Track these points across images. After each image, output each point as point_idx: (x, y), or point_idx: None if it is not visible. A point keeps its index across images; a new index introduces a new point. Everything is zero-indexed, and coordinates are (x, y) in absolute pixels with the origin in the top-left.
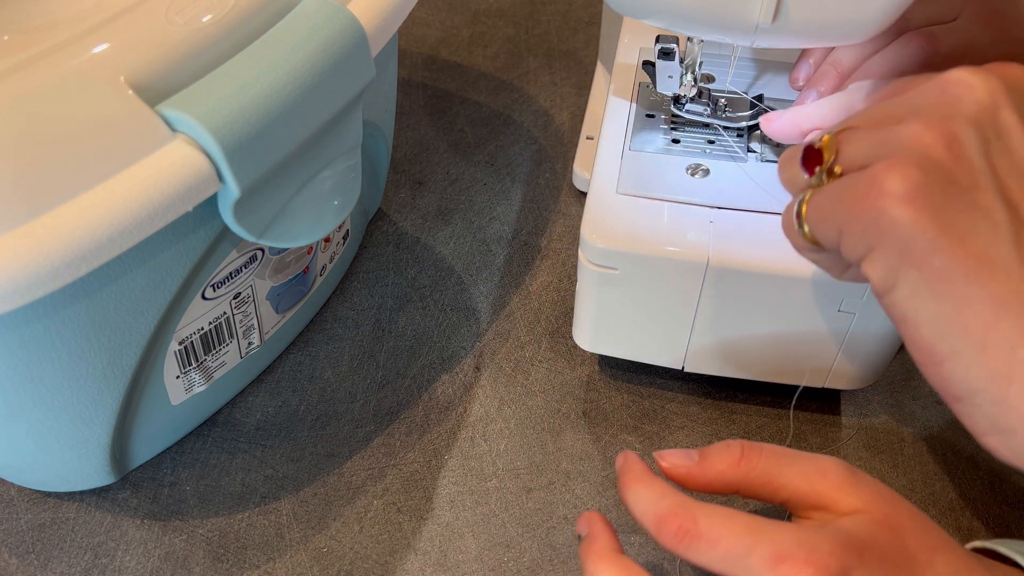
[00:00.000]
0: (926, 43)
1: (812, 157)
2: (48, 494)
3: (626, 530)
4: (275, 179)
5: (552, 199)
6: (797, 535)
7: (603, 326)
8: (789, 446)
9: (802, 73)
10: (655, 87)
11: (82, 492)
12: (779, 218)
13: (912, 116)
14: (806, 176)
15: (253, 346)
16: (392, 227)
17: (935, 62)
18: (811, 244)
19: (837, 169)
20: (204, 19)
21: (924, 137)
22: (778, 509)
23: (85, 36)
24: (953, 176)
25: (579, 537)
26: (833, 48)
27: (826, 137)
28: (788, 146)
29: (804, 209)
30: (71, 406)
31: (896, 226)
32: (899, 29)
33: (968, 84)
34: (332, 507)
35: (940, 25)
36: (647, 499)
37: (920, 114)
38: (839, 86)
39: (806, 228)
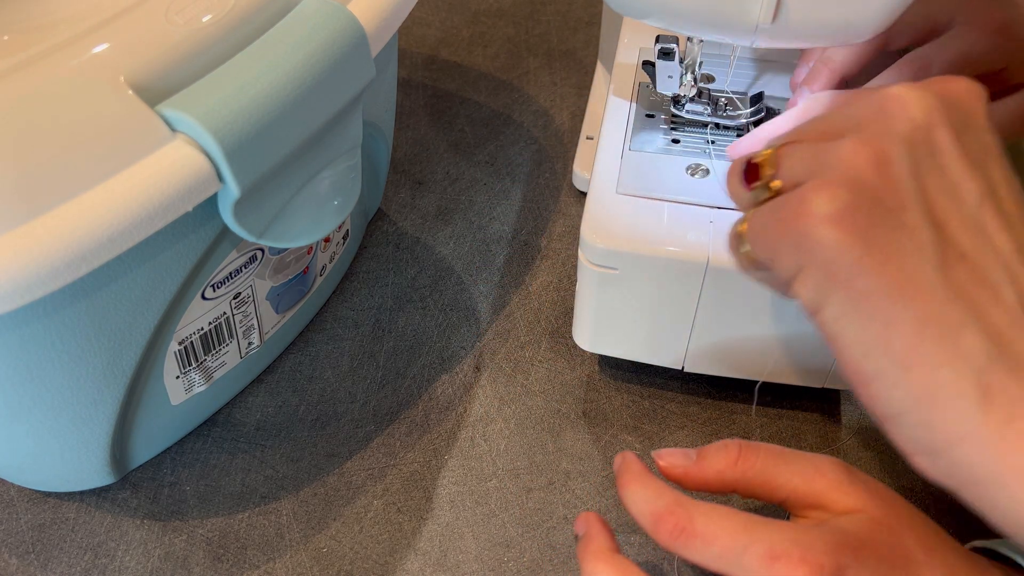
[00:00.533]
0: (917, 69)
1: (752, 171)
2: (48, 494)
3: (626, 530)
4: (275, 179)
5: (552, 199)
6: (792, 534)
7: (603, 326)
8: (750, 438)
9: (800, 76)
10: (655, 87)
11: (82, 492)
12: None
13: (849, 132)
14: (746, 190)
15: (253, 346)
16: (392, 227)
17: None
18: (753, 263)
19: (776, 184)
20: (204, 19)
21: (855, 157)
22: (776, 508)
23: (85, 36)
24: (880, 197)
25: (577, 537)
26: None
27: (767, 151)
28: None
29: (743, 228)
30: (71, 406)
31: (822, 247)
32: (885, 34)
33: (903, 102)
34: (332, 507)
35: (929, 45)
36: (644, 498)
37: (856, 130)
38: (831, 83)
39: (746, 248)
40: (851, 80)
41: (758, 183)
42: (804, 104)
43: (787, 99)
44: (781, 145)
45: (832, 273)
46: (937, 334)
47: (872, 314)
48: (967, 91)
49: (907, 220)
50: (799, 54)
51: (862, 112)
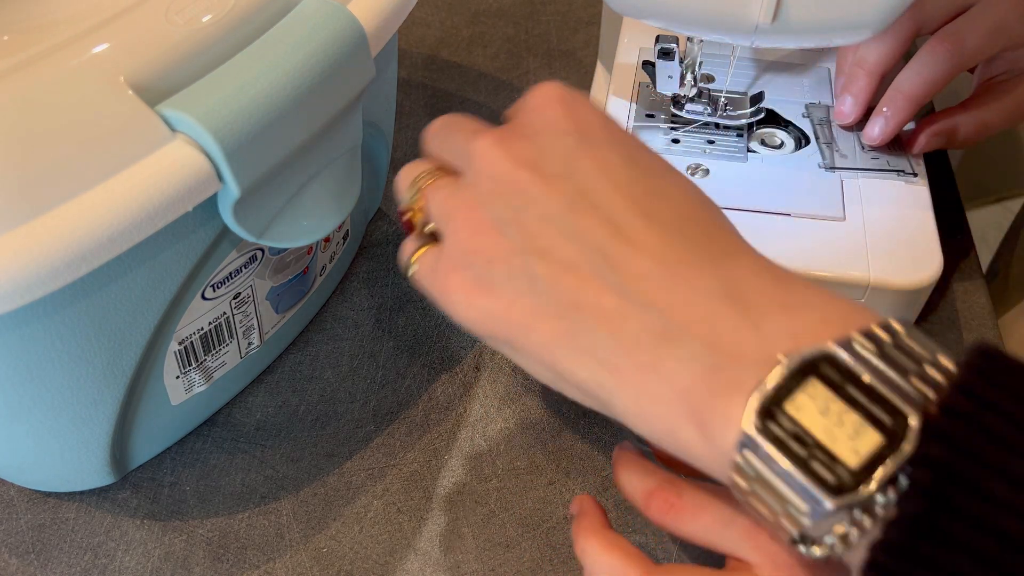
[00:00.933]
0: (951, 45)
1: (409, 223)
2: (48, 494)
3: (626, 530)
4: (275, 179)
5: None
6: None
7: None
8: None
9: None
10: (655, 87)
11: (82, 492)
12: (779, 218)
13: (456, 195)
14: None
15: (253, 346)
16: (392, 227)
17: (963, 60)
18: None
19: (430, 228)
20: (204, 19)
21: (463, 230)
22: None
23: (85, 36)
24: (491, 256)
25: (571, 517)
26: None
27: (415, 203)
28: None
29: (413, 273)
30: (71, 406)
31: (467, 319)
32: (915, 23)
33: (483, 159)
34: (332, 507)
35: (960, 18)
36: (636, 477)
37: (461, 192)
38: (871, 84)
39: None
40: (890, 74)
41: (416, 232)
42: None
43: (786, 99)
44: (424, 182)
45: (483, 334)
46: (566, 345)
47: (525, 353)
48: (542, 107)
49: (516, 265)
50: (799, 54)
51: (460, 161)
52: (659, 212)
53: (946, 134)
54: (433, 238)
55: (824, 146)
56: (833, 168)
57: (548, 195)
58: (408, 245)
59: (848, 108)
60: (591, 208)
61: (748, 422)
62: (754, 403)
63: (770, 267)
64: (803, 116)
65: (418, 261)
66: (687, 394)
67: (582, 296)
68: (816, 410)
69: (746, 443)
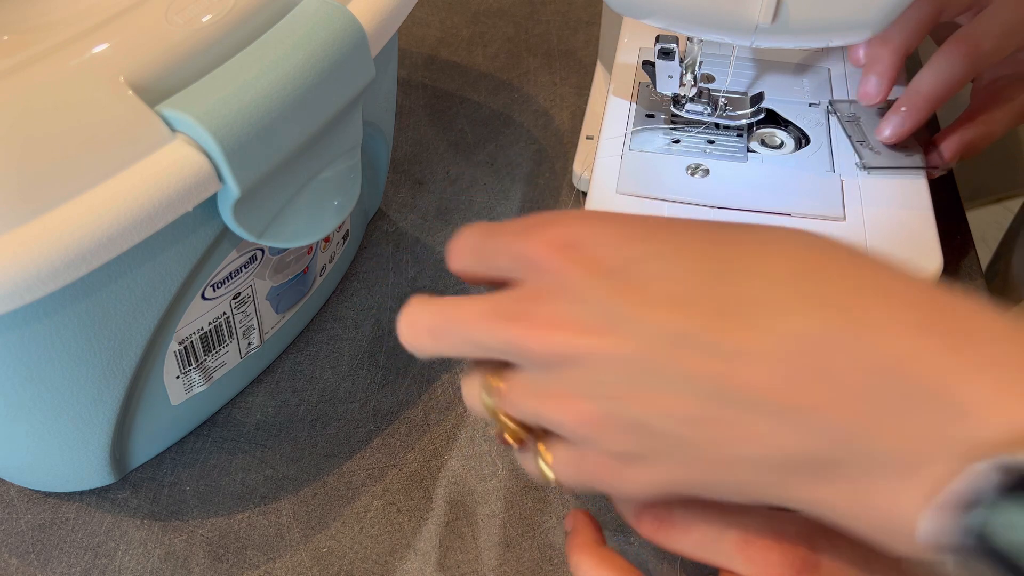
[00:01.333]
0: (968, 48)
1: (512, 439)
2: (48, 494)
3: (627, 530)
4: (275, 179)
5: (552, 199)
6: (765, 518)
7: None
8: None
9: (860, 53)
10: (655, 87)
11: (82, 492)
12: (779, 218)
13: (535, 390)
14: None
15: (253, 346)
16: (392, 227)
17: (980, 62)
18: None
19: (538, 436)
20: (204, 19)
21: (568, 424)
22: None
23: (85, 36)
24: (611, 435)
25: (567, 533)
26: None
27: (510, 425)
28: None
29: (553, 477)
30: (71, 406)
31: (641, 496)
32: (938, 5)
33: (539, 344)
34: (332, 507)
35: (976, 19)
36: None
37: (538, 383)
38: (895, 63)
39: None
40: (910, 54)
41: (526, 443)
42: None
43: (785, 100)
44: (491, 404)
45: (665, 494)
46: (740, 486)
47: (712, 495)
48: (545, 263)
49: (644, 436)
50: (799, 54)
51: (508, 352)
52: (741, 298)
53: (963, 152)
54: (545, 432)
55: (858, 144)
56: (871, 168)
57: (617, 355)
58: (526, 459)
59: (873, 88)
60: (673, 345)
61: (954, 542)
62: (963, 525)
63: (940, 320)
64: (829, 113)
65: (552, 467)
66: (879, 508)
67: (725, 435)
68: None
69: (954, 561)
